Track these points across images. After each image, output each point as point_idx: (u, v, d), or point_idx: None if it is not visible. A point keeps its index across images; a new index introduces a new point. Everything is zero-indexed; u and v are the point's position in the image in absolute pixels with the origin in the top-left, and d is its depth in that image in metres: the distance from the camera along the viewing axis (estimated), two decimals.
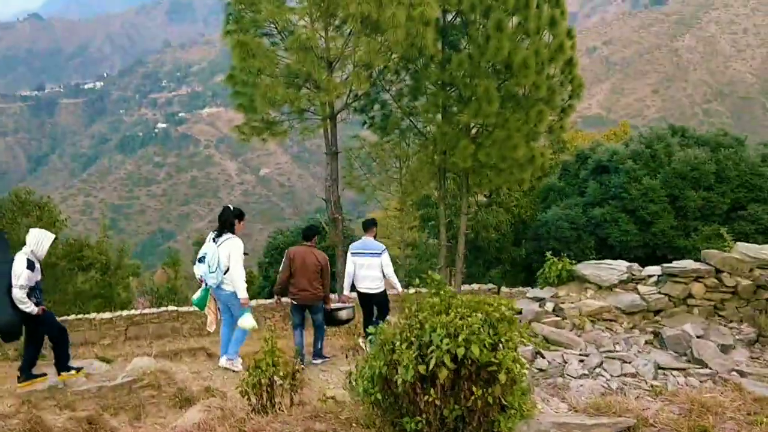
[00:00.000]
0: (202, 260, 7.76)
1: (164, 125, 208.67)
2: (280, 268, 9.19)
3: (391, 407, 4.13)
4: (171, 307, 22.76)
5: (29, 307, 7.07)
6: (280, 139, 17.05)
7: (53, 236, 7.46)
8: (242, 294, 7.66)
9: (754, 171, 23.46)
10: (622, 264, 8.00)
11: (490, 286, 20.14)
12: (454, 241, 19.59)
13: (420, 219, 23.17)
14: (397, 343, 4.03)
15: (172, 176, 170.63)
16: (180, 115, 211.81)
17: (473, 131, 17.52)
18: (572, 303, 7.02)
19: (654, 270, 7.84)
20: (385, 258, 9.47)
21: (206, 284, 7.88)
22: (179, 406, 6.14)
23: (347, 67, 16.30)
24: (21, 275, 6.99)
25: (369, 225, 10.07)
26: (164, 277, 28.65)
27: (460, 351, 3.71)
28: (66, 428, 5.31)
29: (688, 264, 7.32)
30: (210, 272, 7.60)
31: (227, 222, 7.85)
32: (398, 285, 10.04)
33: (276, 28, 16.10)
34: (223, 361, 8.25)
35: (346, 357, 6.72)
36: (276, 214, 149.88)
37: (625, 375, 5.44)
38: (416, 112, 17.81)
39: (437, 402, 3.81)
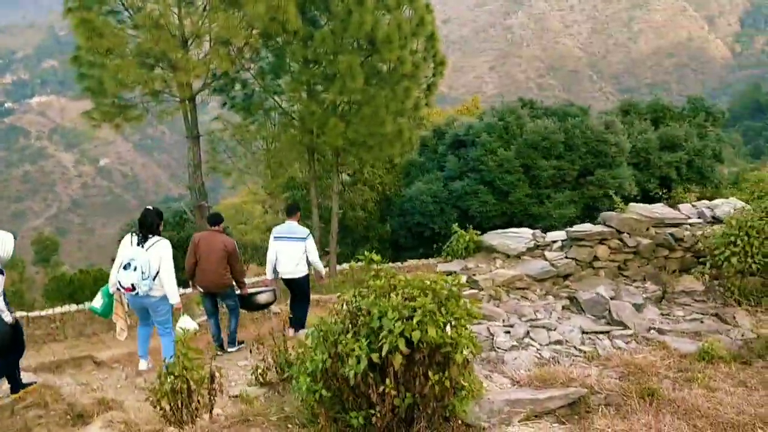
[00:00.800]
0: (127, 267, 7.11)
1: None
2: (186, 255, 8.81)
3: (333, 402, 3.80)
4: (20, 312, 20.91)
5: (6, 315, 6.62)
6: (135, 123, 15.90)
7: (12, 236, 6.80)
8: (175, 299, 7.27)
9: (599, 138, 24.92)
10: (526, 232, 7.96)
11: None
12: (323, 222, 19.28)
13: (287, 201, 22.66)
14: (341, 335, 3.71)
15: (1, 172, 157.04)
16: (6, 105, 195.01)
17: (340, 109, 17.27)
18: (483, 274, 6.91)
19: (557, 235, 7.90)
20: (310, 243, 9.25)
21: (130, 292, 7.18)
22: (71, 425, 5.43)
23: (204, 45, 15.46)
24: None
25: (293, 210, 9.74)
26: (7, 281, 26.13)
27: (416, 334, 3.44)
28: None
29: (590, 227, 7.42)
30: (143, 279, 7.03)
31: (153, 224, 7.40)
32: (323, 270, 9.90)
33: (123, 4, 14.92)
34: (143, 365, 7.89)
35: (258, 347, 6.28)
36: (120, 207, 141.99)
37: (553, 343, 5.39)
38: (280, 91, 17.26)
39: (392, 392, 3.53)
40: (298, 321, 9.27)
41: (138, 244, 7.23)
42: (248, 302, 9.25)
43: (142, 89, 15.51)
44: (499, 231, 7.91)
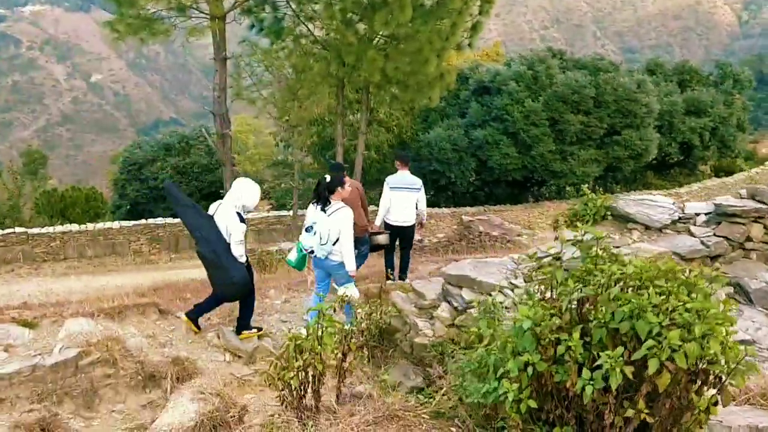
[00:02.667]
0: (309, 230, 7.25)
1: None
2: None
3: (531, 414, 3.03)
4: (19, 229, 20.05)
5: (243, 258, 6.72)
6: (162, 39, 14.74)
7: (258, 186, 7.03)
8: (351, 266, 7.18)
9: (630, 97, 23.97)
10: (665, 201, 6.97)
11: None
12: (346, 162, 18.28)
13: (312, 137, 21.66)
14: (562, 334, 2.91)
15: None
16: None
17: (375, 42, 16.15)
18: (622, 248, 6.02)
19: (699, 208, 6.90)
20: (422, 194, 9.66)
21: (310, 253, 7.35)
22: (143, 386, 4.66)
23: None
24: (238, 230, 6.59)
25: (405, 159, 9.93)
26: (3, 193, 25.04)
27: (691, 348, 2.65)
28: None
29: (745, 203, 6.51)
30: (321, 244, 7.12)
31: (332, 192, 7.28)
32: (425, 217, 10.18)
33: None
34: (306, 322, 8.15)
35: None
36: (111, 126, 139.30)
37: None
38: (314, 17, 16.06)
39: (646, 417, 2.75)
40: (404, 267, 9.82)
41: (322, 210, 7.19)
42: (373, 245, 9.40)
43: (170, 2, 14.35)
44: (635, 197, 6.86)
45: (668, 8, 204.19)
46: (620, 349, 2.79)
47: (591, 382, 2.83)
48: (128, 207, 27.39)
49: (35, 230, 19.93)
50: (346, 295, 6.13)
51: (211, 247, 6.40)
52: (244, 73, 17.25)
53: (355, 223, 8.03)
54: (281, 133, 25.86)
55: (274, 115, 18.14)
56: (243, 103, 18.74)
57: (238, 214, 6.61)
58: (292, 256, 7.63)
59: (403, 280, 9.37)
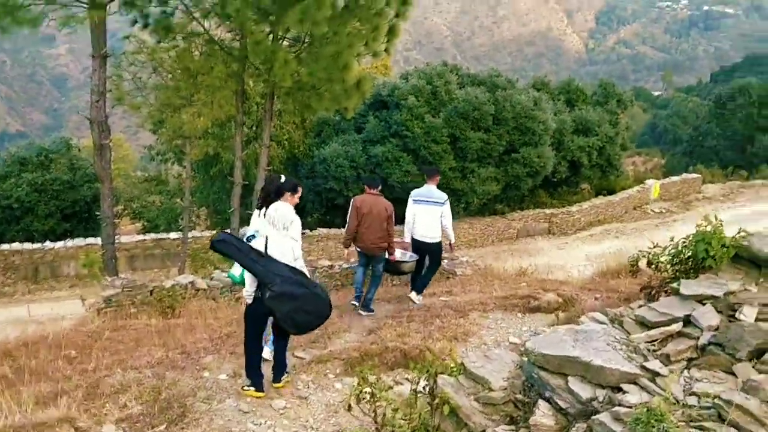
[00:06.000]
0: (252, 238, 6.54)
1: None
2: (348, 218, 9.01)
3: None
4: None
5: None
6: (28, 28, 12.09)
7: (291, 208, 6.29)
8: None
9: (528, 114, 23.50)
10: None
11: None
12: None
13: (203, 149, 19.14)
14: None
15: None
16: None
17: (284, 43, 14.37)
18: None
19: None
20: (446, 209, 9.36)
21: None
22: None
23: None
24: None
25: (433, 172, 9.84)
26: None
27: None
28: None
29: None
30: None
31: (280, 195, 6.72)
32: (452, 237, 9.75)
33: None
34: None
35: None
36: None
37: None
38: (213, 11, 13.98)
39: None
40: (421, 285, 9.52)
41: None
42: (393, 267, 9.38)
43: None
44: (764, 231, 4.90)
45: (522, 35, 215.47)
46: None
47: None
48: None
49: None
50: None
51: (295, 282, 5.73)
52: (127, 75, 14.73)
53: (364, 238, 8.68)
54: (158, 146, 23.23)
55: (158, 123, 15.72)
56: (121, 110, 16.18)
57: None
58: (236, 271, 6.58)
59: (418, 294, 9.45)
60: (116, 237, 15.96)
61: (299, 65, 13.29)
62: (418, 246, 9.38)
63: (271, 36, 13.73)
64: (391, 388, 4.33)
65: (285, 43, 14.55)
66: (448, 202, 9.42)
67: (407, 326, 7.46)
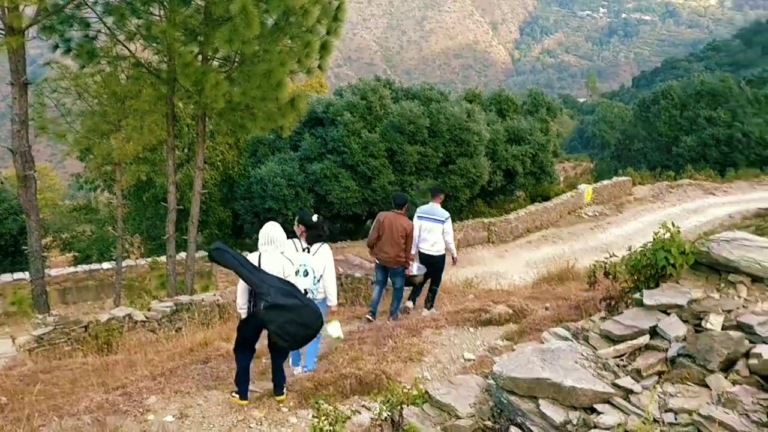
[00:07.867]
0: (298, 273, 6.73)
1: None
2: (371, 230, 10.03)
3: None
4: None
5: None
6: None
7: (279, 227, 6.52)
8: (334, 301, 7.37)
9: (462, 126, 23.71)
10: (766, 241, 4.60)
11: None
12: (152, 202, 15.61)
13: (136, 175, 18.47)
14: None
15: None
16: None
17: (213, 63, 14.06)
18: (749, 314, 3.91)
19: None
20: (448, 225, 10.14)
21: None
22: None
23: None
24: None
25: (437, 192, 10.62)
26: None
27: None
28: None
29: None
30: (314, 284, 7.11)
31: (322, 231, 7.47)
32: (455, 252, 10.71)
33: None
34: (299, 370, 7.71)
35: None
36: None
37: None
38: (137, 35, 13.56)
39: None
40: (430, 299, 10.41)
41: (305, 250, 7.25)
42: (407, 280, 10.14)
43: None
44: (727, 235, 4.70)
45: (450, 48, 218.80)
46: None
47: None
48: None
49: None
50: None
51: (287, 293, 5.90)
52: (50, 102, 14.10)
53: (381, 250, 9.71)
54: (86, 174, 22.40)
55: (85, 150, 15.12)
56: (46, 138, 15.49)
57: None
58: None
59: (429, 309, 10.25)
60: (46, 270, 15.24)
61: (231, 85, 12.99)
62: (423, 259, 10.24)
63: (200, 57, 13.42)
64: (349, 418, 4.13)
65: (215, 63, 14.25)
66: (449, 220, 10.22)
67: (360, 349, 7.25)
